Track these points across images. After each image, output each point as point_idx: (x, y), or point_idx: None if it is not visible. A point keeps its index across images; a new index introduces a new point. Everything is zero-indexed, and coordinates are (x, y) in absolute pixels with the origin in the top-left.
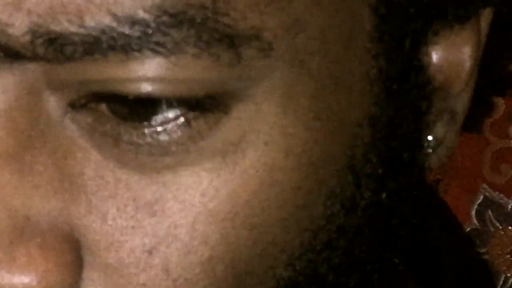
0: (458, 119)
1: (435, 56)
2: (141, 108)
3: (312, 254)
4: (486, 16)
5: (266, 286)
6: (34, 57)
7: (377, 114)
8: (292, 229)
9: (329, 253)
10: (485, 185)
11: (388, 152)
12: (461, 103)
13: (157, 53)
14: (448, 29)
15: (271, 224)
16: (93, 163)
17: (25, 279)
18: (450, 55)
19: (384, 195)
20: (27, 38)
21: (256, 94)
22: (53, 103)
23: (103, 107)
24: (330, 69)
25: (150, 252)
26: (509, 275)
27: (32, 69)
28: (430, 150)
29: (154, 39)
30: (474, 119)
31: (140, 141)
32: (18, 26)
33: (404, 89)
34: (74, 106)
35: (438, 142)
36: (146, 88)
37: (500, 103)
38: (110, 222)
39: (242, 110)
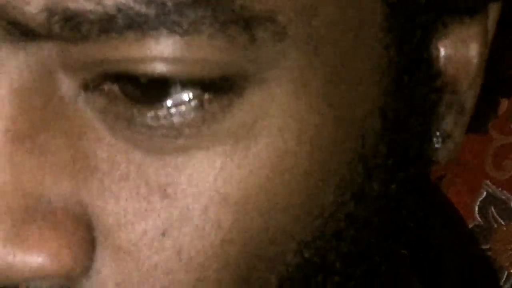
0: (466, 115)
1: (443, 52)
2: (155, 90)
3: (321, 242)
4: (493, 14)
5: (276, 272)
6: (50, 36)
7: (387, 105)
8: (302, 216)
9: (338, 242)
10: (488, 182)
11: (398, 143)
12: (468, 100)
13: (173, 32)
14: (457, 22)
15: (283, 209)
16: (105, 145)
17: (38, 259)
18: (458, 52)
19: (393, 187)
20: (43, 16)
21: (269, 79)
22: (66, 85)
23: (116, 88)
24: (341, 57)
25: (163, 235)
26: None
27: (47, 49)
28: (438, 145)
29: (171, 18)
30: (480, 120)
31: (154, 123)
32: (34, 4)
33: (414, 81)
34: (87, 87)
35: (446, 136)
36: (161, 68)
37: (503, 99)
38: (122, 204)
39: (255, 94)
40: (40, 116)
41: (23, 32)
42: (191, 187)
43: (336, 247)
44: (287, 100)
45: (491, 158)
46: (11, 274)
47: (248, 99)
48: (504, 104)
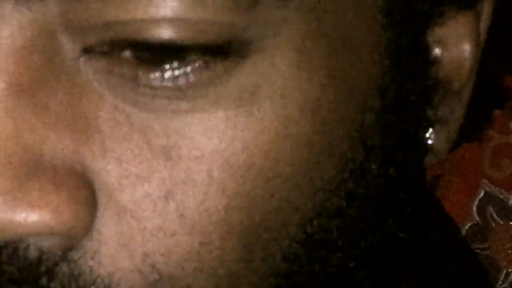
0: (462, 104)
1: (436, 52)
2: (161, 52)
3: (323, 219)
4: (485, 15)
5: (279, 245)
6: None
7: (385, 86)
8: (304, 188)
9: (339, 219)
10: (485, 181)
11: (396, 125)
12: (464, 94)
13: None
14: (451, 18)
15: (285, 179)
16: (108, 106)
17: (38, 214)
18: (452, 51)
19: (391, 169)
20: None
21: (272, 46)
22: (68, 45)
23: (126, 53)
24: (342, 32)
25: (166, 197)
26: (510, 270)
27: (51, 6)
28: (434, 133)
29: None
30: (473, 130)
31: (158, 84)
32: None
33: (412, 64)
34: (90, 51)
35: (442, 123)
36: (167, 33)
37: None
38: (124, 166)
39: (258, 59)
40: (42, 74)
41: None
42: (195, 150)
43: (338, 225)
44: (289, 68)
45: (489, 157)
46: (12, 229)
47: (251, 64)
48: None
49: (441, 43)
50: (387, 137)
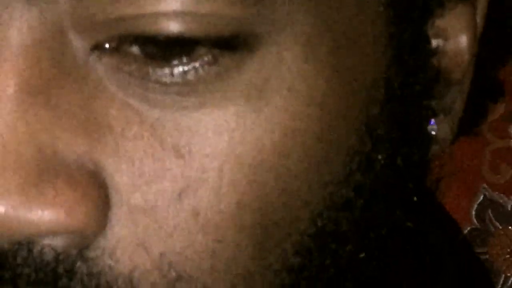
0: (464, 93)
1: (436, 44)
2: (170, 48)
3: (332, 212)
4: (481, 6)
5: (291, 241)
6: None
7: (390, 77)
8: (314, 181)
9: (348, 212)
10: (485, 185)
11: (401, 116)
12: (463, 85)
13: None
14: (449, 10)
15: (295, 174)
16: (118, 104)
17: (52, 213)
18: (451, 42)
19: (398, 160)
20: None
21: (278, 41)
22: (78, 44)
23: (134, 49)
24: (346, 26)
25: (179, 196)
26: (509, 274)
27: (60, 4)
28: (437, 124)
29: None
30: (470, 123)
31: (168, 80)
32: None
33: (414, 56)
34: (100, 48)
35: (445, 112)
36: (175, 27)
37: (499, 103)
38: (137, 164)
39: (265, 54)
40: (52, 74)
41: None
42: (205, 147)
43: (347, 217)
44: (296, 63)
45: (488, 162)
46: (26, 228)
47: (259, 59)
48: (500, 107)
49: (441, 34)
50: (393, 128)
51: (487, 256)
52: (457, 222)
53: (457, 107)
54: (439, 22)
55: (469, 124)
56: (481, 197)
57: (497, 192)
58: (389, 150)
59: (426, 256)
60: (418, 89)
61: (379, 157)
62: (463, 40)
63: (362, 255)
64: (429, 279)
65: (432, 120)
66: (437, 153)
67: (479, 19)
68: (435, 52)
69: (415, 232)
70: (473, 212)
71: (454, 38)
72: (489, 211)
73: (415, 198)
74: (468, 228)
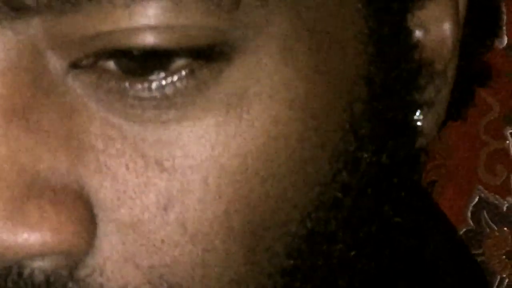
0: (447, 84)
1: (418, 33)
2: (146, 62)
3: (321, 212)
4: None
5: (282, 243)
6: (39, 10)
7: (372, 74)
8: (301, 184)
9: (337, 211)
10: (480, 186)
11: (384, 112)
12: (448, 74)
13: None
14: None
15: (281, 177)
16: (98, 121)
17: (39, 236)
18: (432, 32)
19: (384, 157)
20: None
21: (256, 47)
22: (55, 63)
23: (110, 64)
24: (325, 24)
25: (165, 209)
26: (504, 276)
27: (34, 26)
28: (422, 115)
29: None
30: (456, 108)
31: (146, 95)
32: None
33: (395, 51)
34: (77, 65)
35: (429, 105)
36: (150, 39)
37: (495, 104)
38: (120, 181)
39: (243, 62)
40: (31, 94)
41: (12, 7)
42: (188, 159)
43: (336, 216)
44: (275, 67)
45: (484, 163)
46: (14, 252)
47: (237, 67)
48: (496, 108)
49: (422, 25)
50: (377, 125)
51: (482, 258)
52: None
53: (442, 98)
54: (420, 13)
55: (457, 109)
56: (477, 198)
57: (492, 193)
58: (375, 147)
59: (422, 255)
60: (401, 83)
61: (365, 155)
62: (446, 29)
63: (353, 253)
64: (425, 280)
65: (417, 113)
66: (423, 145)
67: (461, 4)
68: (416, 44)
69: (411, 231)
70: (469, 213)
71: (436, 27)
72: (485, 212)
73: (404, 194)
74: (464, 229)
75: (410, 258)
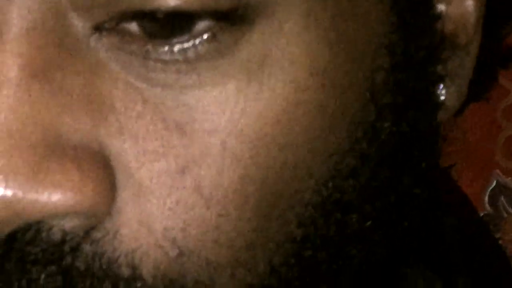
0: (471, 58)
1: (441, 8)
2: (169, 24)
3: (338, 181)
4: None
5: (295, 211)
6: None
7: (394, 43)
8: (318, 152)
9: (353, 180)
10: (497, 171)
11: (406, 82)
12: (471, 49)
13: None
14: None
15: (299, 145)
16: (120, 84)
17: (60, 194)
18: (455, 6)
19: (404, 126)
20: None
21: (279, 11)
22: (78, 25)
23: (133, 26)
24: None
25: (182, 172)
26: None
27: None
28: (444, 89)
29: None
30: (479, 89)
31: (168, 58)
32: None
33: (417, 21)
34: (100, 28)
35: (451, 77)
36: (173, 1)
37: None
38: (141, 143)
39: (265, 25)
40: (55, 55)
41: None
42: (208, 123)
43: (353, 186)
44: (297, 32)
45: (501, 148)
46: (36, 210)
47: (258, 32)
48: None
49: (445, 3)
50: (398, 95)
51: (500, 242)
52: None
53: (465, 72)
54: None
55: (479, 89)
56: (494, 183)
57: (510, 178)
58: (395, 117)
59: (441, 235)
60: (423, 55)
61: (385, 125)
62: (469, 4)
63: (369, 223)
64: (443, 259)
65: (440, 86)
66: (444, 119)
67: None
68: (439, 16)
69: (429, 206)
70: (486, 198)
71: (459, 1)
72: (502, 197)
73: (424, 166)
74: (481, 214)
75: (427, 233)
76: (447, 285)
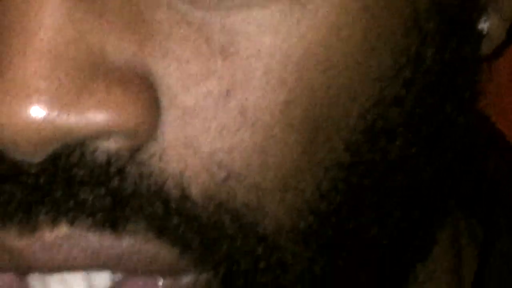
0: None
1: None
2: None
3: (382, 107)
4: None
5: (341, 136)
6: None
7: None
8: (362, 77)
9: (397, 108)
10: None
11: (449, 8)
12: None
13: None
14: None
15: (343, 68)
16: (165, 6)
17: (105, 114)
18: None
19: (448, 53)
20: None
21: None
22: None
23: None
24: None
25: (227, 95)
26: None
27: None
28: (485, 23)
29: None
30: None
31: None
32: None
33: None
34: None
35: (496, 7)
36: None
37: None
38: (185, 66)
39: None
40: None
41: None
42: (252, 46)
43: (397, 112)
44: None
45: None
46: (80, 130)
47: None
48: None
49: None
50: (441, 22)
51: None
52: None
53: (509, 2)
54: None
55: None
56: None
57: None
58: (439, 44)
59: (483, 174)
60: None
61: (428, 52)
62: None
63: (413, 150)
64: (485, 206)
65: (483, 16)
66: (488, 51)
67: None
68: None
69: (472, 153)
70: None
71: None
72: None
73: (468, 96)
74: None
75: (468, 174)
76: (489, 232)
